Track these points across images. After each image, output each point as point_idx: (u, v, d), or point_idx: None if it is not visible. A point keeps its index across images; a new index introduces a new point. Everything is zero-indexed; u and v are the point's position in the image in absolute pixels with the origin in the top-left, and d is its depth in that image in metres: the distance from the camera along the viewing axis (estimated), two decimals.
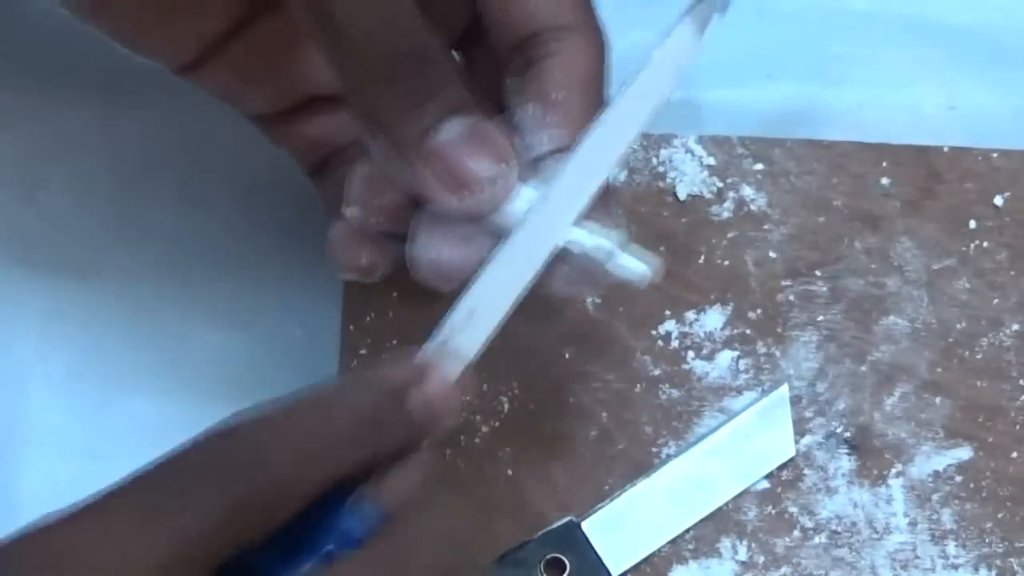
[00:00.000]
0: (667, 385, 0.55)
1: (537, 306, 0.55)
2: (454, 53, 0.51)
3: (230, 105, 0.52)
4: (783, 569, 0.54)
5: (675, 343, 0.55)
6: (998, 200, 0.56)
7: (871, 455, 0.55)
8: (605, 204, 0.48)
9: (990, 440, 0.55)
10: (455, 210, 0.47)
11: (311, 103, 0.52)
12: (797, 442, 0.55)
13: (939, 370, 0.55)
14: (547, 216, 0.46)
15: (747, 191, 0.56)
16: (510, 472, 0.55)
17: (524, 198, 0.47)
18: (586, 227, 0.47)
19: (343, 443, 0.45)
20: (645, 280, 0.47)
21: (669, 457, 0.55)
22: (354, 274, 0.51)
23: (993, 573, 0.54)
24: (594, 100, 0.48)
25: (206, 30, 0.50)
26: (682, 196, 0.56)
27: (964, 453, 0.55)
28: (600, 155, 0.46)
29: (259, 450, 0.44)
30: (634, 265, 0.47)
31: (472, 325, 0.46)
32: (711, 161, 0.57)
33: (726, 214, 0.56)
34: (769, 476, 0.55)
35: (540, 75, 0.48)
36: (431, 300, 0.55)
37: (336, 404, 0.45)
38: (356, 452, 0.45)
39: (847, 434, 0.55)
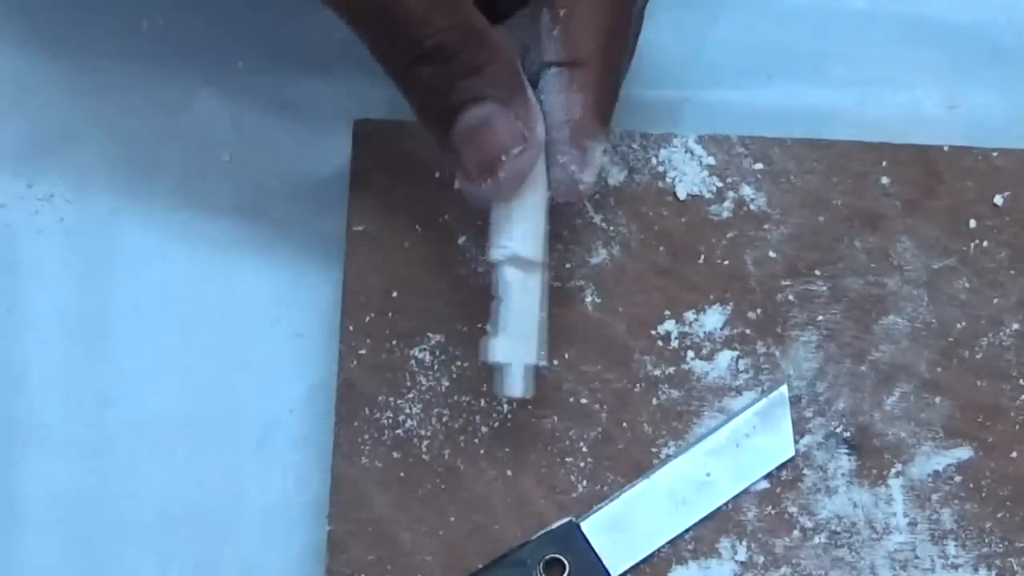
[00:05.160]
0: (667, 385, 0.55)
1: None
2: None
3: None
4: (783, 569, 0.54)
5: (675, 343, 0.55)
6: (998, 200, 0.56)
7: (871, 455, 0.55)
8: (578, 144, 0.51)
9: (990, 440, 0.55)
10: (475, 191, 0.51)
11: None
12: (797, 442, 0.55)
13: (939, 370, 0.55)
14: None
15: (747, 191, 0.56)
16: (510, 472, 0.55)
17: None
18: None
19: None
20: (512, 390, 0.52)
21: (669, 457, 0.55)
22: None
23: (993, 573, 0.54)
24: (602, 18, 0.51)
25: None
26: (682, 196, 0.56)
27: (964, 453, 0.55)
28: None
29: None
30: (508, 388, 0.52)
31: None
32: (711, 161, 0.57)
33: (726, 214, 0.56)
34: (769, 476, 0.55)
35: None
36: (431, 301, 0.55)
37: None
38: None
39: (847, 434, 0.55)
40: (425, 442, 0.55)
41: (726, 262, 0.56)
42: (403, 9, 0.49)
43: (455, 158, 0.50)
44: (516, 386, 0.51)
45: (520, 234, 0.51)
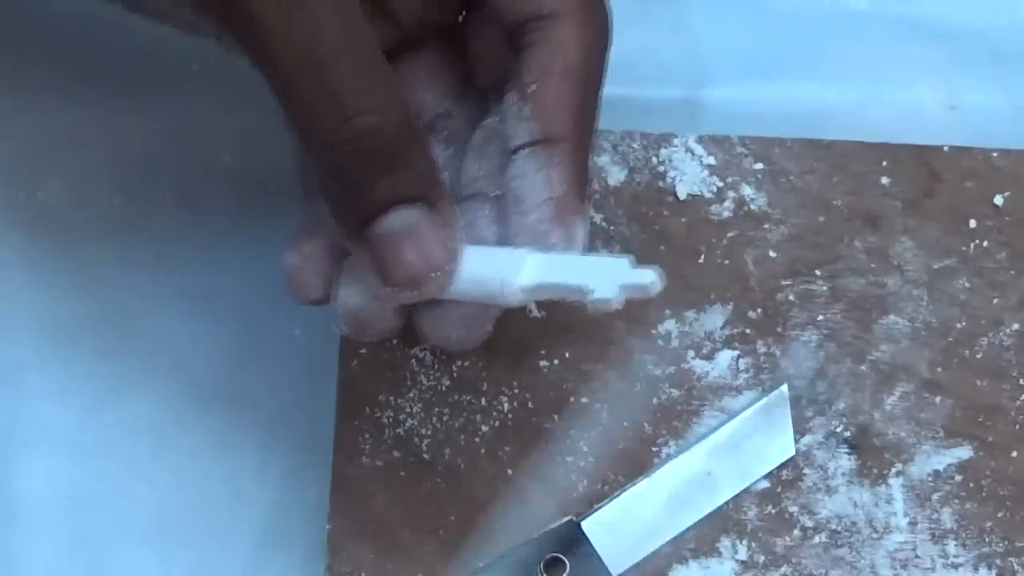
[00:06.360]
0: (667, 385, 0.55)
1: (536, 305, 0.55)
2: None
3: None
4: (783, 569, 0.54)
5: (675, 343, 0.55)
6: (998, 200, 0.56)
7: (871, 455, 0.55)
8: (564, 222, 0.48)
9: (990, 440, 0.55)
10: (385, 295, 0.47)
11: None
12: (797, 441, 0.55)
13: (939, 370, 0.55)
14: None
15: (747, 191, 0.56)
16: (510, 472, 0.55)
17: (476, 270, 0.47)
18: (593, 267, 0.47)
19: None
20: (656, 289, 0.47)
21: (669, 457, 0.55)
22: (308, 306, 0.50)
23: (993, 573, 0.54)
24: (575, 92, 0.48)
25: None
26: (682, 196, 0.56)
27: (964, 453, 0.55)
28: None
29: None
30: (643, 277, 0.47)
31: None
32: (711, 161, 0.57)
33: (726, 214, 0.56)
34: (769, 476, 0.55)
35: (520, 65, 0.48)
36: None
37: None
38: None
39: (847, 434, 0.55)
40: (425, 441, 0.55)
41: (726, 262, 0.56)
42: (338, 78, 0.44)
43: (365, 255, 0.46)
44: (649, 278, 0.47)
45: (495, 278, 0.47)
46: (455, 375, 0.55)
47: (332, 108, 0.44)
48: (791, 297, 0.56)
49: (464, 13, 0.51)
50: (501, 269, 0.47)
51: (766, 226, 0.56)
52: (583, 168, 0.48)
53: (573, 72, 0.48)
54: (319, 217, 0.48)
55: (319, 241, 0.49)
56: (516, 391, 0.55)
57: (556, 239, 0.47)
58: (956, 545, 0.54)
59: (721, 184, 0.56)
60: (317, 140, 0.45)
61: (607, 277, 0.47)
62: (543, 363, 0.55)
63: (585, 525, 0.54)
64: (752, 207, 0.56)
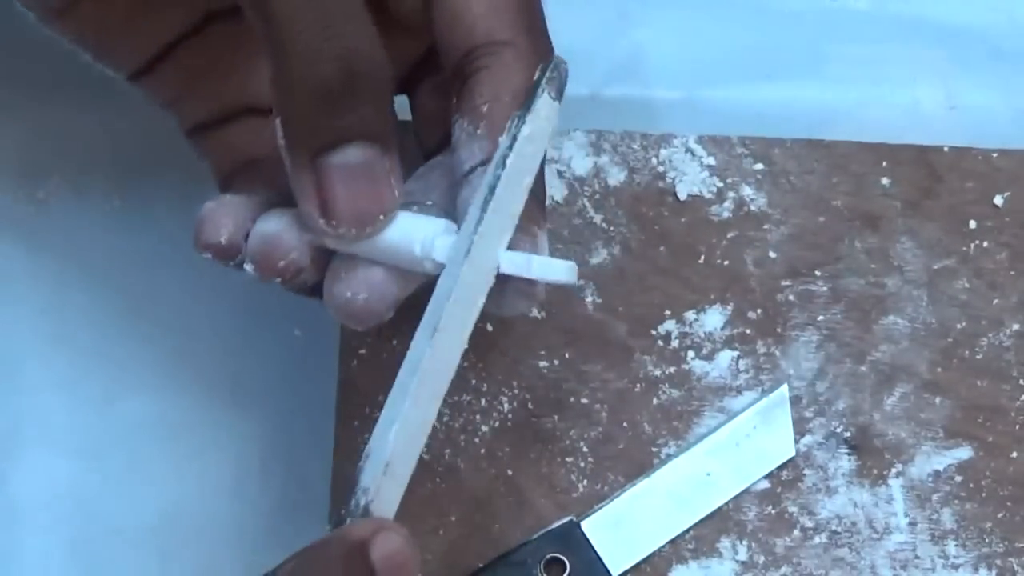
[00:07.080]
0: (667, 385, 0.55)
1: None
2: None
3: (172, 112, 0.52)
4: (783, 569, 0.54)
5: (675, 343, 0.55)
6: (998, 200, 0.56)
7: (871, 455, 0.55)
8: (528, 232, 0.47)
9: (990, 440, 0.55)
10: (317, 230, 0.46)
11: (246, 113, 0.52)
12: (797, 442, 0.55)
13: (939, 370, 0.55)
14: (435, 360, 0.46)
15: (747, 191, 0.56)
16: (510, 472, 0.55)
17: (403, 228, 0.47)
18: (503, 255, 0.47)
19: None
20: (572, 278, 0.47)
21: (669, 457, 0.55)
22: (209, 252, 0.48)
23: (993, 573, 0.54)
24: None
25: (162, 34, 0.50)
26: (682, 196, 0.56)
27: (964, 453, 0.55)
28: (487, 242, 0.46)
29: None
30: (557, 265, 0.47)
31: (390, 479, 0.45)
32: (711, 161, 0.57)
33: (726, 214, 0.56)
34: (769, 476, 0.55)
35: (470, 88, 0.48)
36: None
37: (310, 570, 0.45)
38: None
39: (847, 434, 0.55)
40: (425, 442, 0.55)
41: (726, 262, 0.56)
42: (335, 4, 0.44)
43: (309, 186, 0.46)
44: (563, 264, 0.47)
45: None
46: (455, 375, 0.55)
47: (324, 24, 0.44)
48: (791, 297, 0.56)
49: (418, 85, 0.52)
50: (424, 231, 0.47)
51: (766, 226, 0.56)
52: (541, 177, 0.48)
53: (524, 92, 0.48)
54: (241, 184, 0.49)
55: (241, 195, 0.49)
56: (516, 391, 0.55)
57: (525, 248, 0.47)
58: (956, 545, 0.54)
59: (721, 184, 0.56)
60: (302, 52, 0.44)
61: (523, 259, 0.47)
62: (543, 363, 0.55)
63: (585, 525, 0.54)
64: (752, 207, 0.56)
